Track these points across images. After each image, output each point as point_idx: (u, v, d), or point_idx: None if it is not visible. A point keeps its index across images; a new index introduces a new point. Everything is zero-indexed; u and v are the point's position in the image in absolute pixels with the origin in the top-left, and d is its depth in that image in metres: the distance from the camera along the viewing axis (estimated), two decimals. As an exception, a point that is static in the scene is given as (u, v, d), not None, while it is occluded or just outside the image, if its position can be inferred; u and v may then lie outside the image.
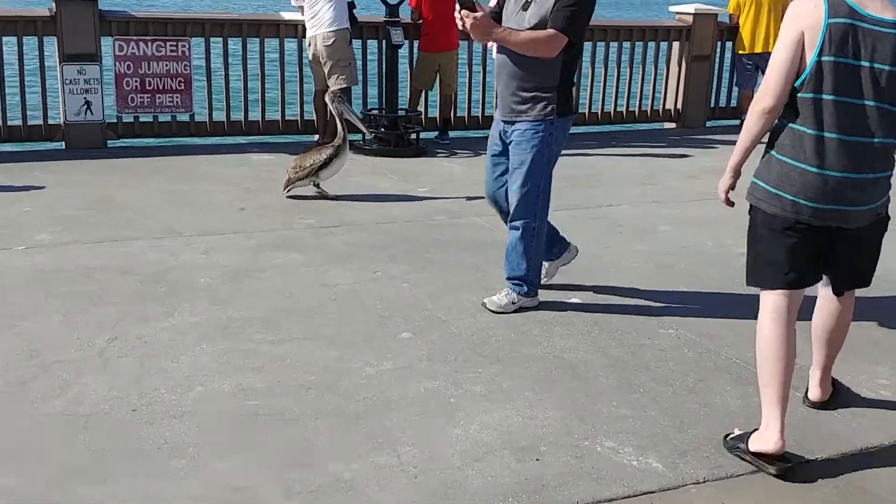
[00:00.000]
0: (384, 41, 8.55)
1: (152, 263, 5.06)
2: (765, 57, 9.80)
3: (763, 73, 10.05)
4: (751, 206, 3.26)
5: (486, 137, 9.57)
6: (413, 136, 8.49)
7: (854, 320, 3.57)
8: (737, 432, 3.36)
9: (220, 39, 8.35)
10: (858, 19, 2.97)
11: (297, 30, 8.52)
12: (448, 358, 4.01)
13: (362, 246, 5.50)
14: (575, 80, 4.63)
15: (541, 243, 4.57)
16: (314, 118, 8.61)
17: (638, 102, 10.20)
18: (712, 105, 10.41)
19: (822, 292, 3.48)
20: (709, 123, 10.30)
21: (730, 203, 3.33)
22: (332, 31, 8.00)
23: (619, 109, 10.05)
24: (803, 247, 3.15)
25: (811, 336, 3.54)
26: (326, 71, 8.18)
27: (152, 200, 6.37)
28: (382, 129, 8.42)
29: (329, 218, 6.09)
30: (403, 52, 8.71)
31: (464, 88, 9.42)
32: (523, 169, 4.40)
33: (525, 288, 4.55)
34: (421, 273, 5.07)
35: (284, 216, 6.11)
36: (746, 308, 4.02)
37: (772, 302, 3.23)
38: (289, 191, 6.57)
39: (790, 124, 3.07)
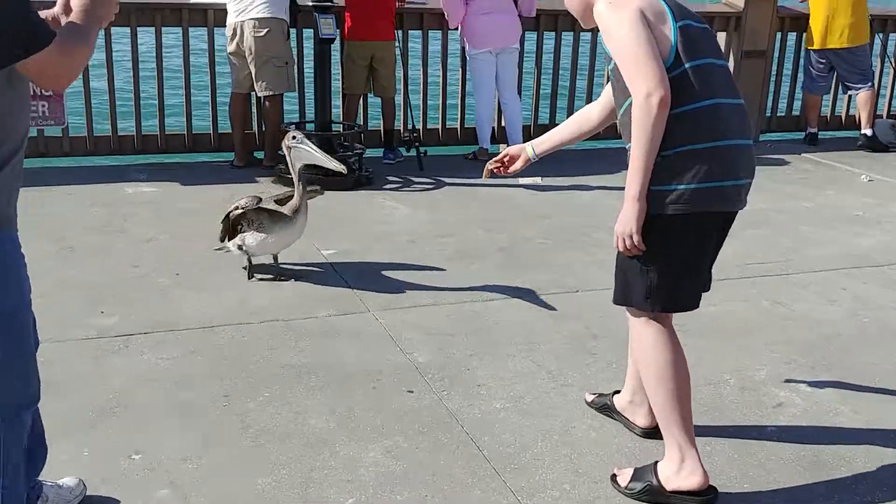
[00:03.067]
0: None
1: None
2: (841, 54, 7.61)
3: (839, 73, 7.73)
4: (661, 219, 2.62)
5: (462, 156, 7.34)
6: (353, 160, 6.33)
7: None
8: (624, 472, 2.81)
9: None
10: None
11: (206, 16, 6.47)
12: None
13: (155, 383, 3.37)
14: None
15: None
16: (231, 130, 6.59)
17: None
18: (768, 113, 8.08)
19: None
20: (763, 137, 7.95)
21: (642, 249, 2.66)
22: (267, 19, 6.12)
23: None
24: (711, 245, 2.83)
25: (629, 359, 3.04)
26: (254, 71, 6.20)
27: None
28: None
29: (147, 314, 3.99)
30: (337, 46, 6.55)
31: (439, 91, 7.26)
32: None
33: None
34: (226, 453, 2.95)
35: (79, 309, 4.01)
36: None
37: (665, 320, 2.77)
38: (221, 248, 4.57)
39: (681, 109, 2.57)
